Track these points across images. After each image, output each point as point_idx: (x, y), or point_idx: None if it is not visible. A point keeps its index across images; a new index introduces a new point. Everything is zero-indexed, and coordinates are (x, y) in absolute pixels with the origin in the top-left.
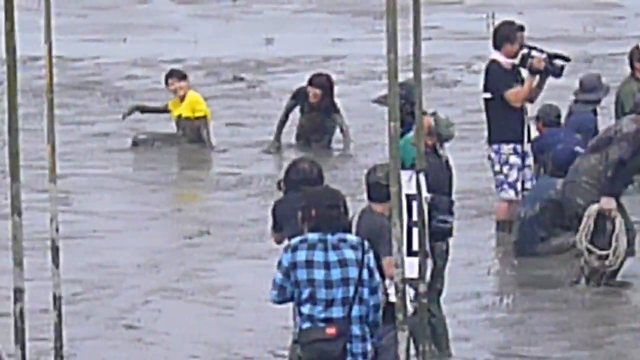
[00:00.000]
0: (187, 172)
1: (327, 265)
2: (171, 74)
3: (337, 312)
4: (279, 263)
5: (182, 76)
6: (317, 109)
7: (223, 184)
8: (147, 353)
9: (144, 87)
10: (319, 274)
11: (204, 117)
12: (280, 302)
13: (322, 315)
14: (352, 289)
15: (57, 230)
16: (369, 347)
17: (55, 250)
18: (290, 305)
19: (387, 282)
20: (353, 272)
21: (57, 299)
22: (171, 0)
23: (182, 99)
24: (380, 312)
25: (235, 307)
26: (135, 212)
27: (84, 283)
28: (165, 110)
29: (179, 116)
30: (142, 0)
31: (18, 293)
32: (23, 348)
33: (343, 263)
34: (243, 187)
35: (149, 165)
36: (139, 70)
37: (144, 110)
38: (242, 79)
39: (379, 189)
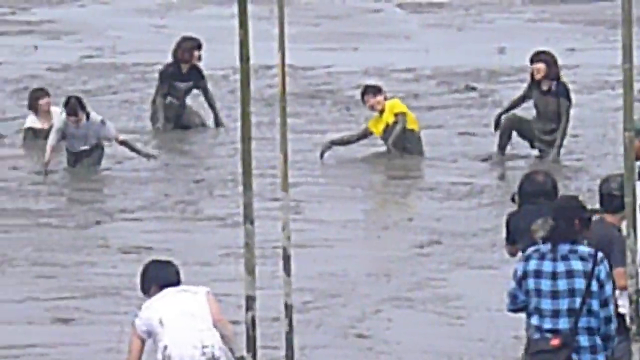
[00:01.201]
0: (417, 181)
1: (554, 276)
2: (366, 91)
3: (563, 323)
4: (514, 271)
5: (377, 90)
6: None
7: (455, 193)
8: None
9: None
10: (545, 285)
11: (403, 113)
12: (513, 311)
13: (549, 326)
14: (578, 300)
15: (288, 238)
16: (600, 358)
17: (286, 258)
18: (522, 315)
19: (617, 292)
20: (580, 284)
21: (288, 308)
22: (403, 9)
23: (381, 113)
24: (614, 325)
25: (467, 317)
26: (366, 221)
27: (315, 292)
28: (365, 135)
29: (386, 127)
30: (374, 9)
31: (250, 301)
32: (254, 356)
33: (570, 274)
34: (474, 197)
35: (378, 175)
36: (370, 79)
37: (342, 143)
38: (474, 89)
39: (612, 199)
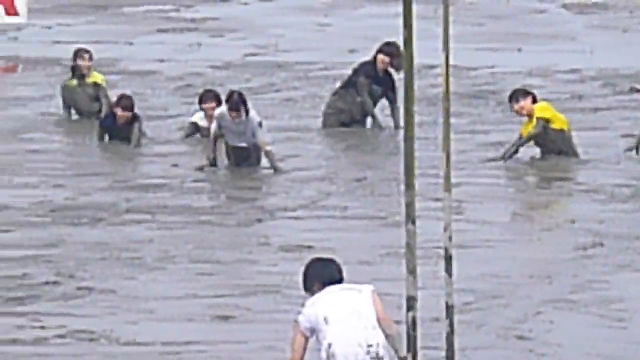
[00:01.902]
0: (578, 183)
1: None
2: (510, 98)
3: None
4: None
5: (522, 95)
6: None
7: (618, 195)
8: None
9: (538, 97)
10: None
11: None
12: None
13: None
14: None
15: (450, 239)
16: None
17: (448, 259)
18: None
19: None
20: None
21: (449, 308)
22: (568, 10)
23: (530, 117)
24: None
25: (628, 319)
26: (527, 222)
27: (476, 292)
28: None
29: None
30: (538, 10)
31: (411, 301)
32: (415, 356)
33: None
34: (638, 199)
35: (538, 177)
36: (534, 80)
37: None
38: (638, 90)
39: None
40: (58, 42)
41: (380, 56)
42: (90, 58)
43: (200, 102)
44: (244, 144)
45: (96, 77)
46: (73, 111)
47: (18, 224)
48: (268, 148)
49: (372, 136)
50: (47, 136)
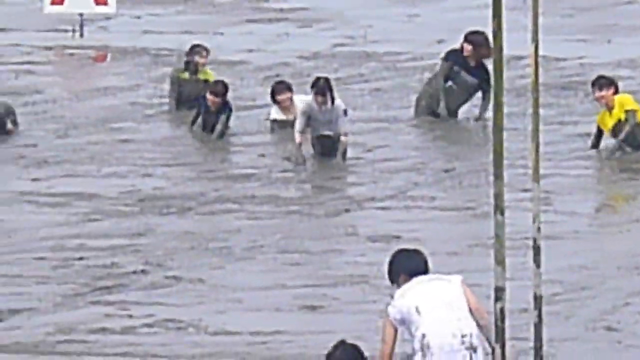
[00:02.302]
0: None
1: None
2: (594, 83)
3: None
4: None
5: (605, 84)
6: None
7: None
8: (626, 355)
9: (627, 88)
10: None
11: (633, 110)
12: None
13: None
14: None
15: (539, 230)
16: None
17: (536, 250)
18: None
19: None
20: None
21: (537, 299)
22: None
23: (610, 109)
24: None
25: None
26: (616, 213)
27: (564, 283)
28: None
29: (617, 124)
30: (627, 1)
31: (499, 292)
32: (503, 347)
33: None
34: None
35: (623, 169)
36: (623, 71)
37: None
38: None
39: None
40: (147, 32)
41: (465, 44)
42: (207, 55)
43: (273, 95)
44: (329, 133)
45: (208, 74)
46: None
47: (107, 214)
48: (344, 138)
49: (460, 127)
50: (136, 126)
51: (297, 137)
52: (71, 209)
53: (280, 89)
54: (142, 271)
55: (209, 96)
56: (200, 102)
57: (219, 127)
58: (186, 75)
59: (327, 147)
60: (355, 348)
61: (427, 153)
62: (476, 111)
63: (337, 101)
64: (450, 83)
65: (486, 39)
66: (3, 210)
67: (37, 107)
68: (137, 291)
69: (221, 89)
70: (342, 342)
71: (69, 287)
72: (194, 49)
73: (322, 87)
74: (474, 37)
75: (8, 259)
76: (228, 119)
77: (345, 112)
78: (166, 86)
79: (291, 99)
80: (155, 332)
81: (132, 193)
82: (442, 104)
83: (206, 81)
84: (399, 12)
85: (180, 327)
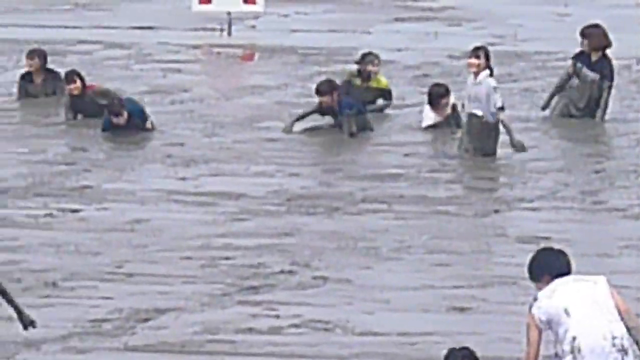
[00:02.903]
0: None
1: None
2: None
3: None
4: None
5: None
6: None
7: None
8: None
9: None
10: None
11: None
12: None
13: None
14: None
15: None
16: None
17: None
18: None
19: None
20: None
21: None
22: None
23: None
24: None
25: None
26: None
27: None
28: None
29: None
30: None
31: None
32: None
33: None
34: None
35: None
36: None
37: None
38: None
39: None
40: (295, 30)
41: (581, 39)
42: (379, 63)
43: (431, 99)
44: (479, 112)
45: (381, 82)
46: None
47: (254, 213)
48: (502, 116)
49: (610, 127)
50: (284, 125)
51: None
52: (218, 208)
53: (440, 91)
54: (289, 271)
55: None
56: (343, 87)
57: (345, 126)
58: (358, 81)
59: (477, 129)
60: (467, 349)
61: (577, 153)
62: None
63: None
64: (574, 80)
65: (600, 29)
66: (150, 209)
67: (184, 106)
68: (284, 291)
69: (326, 88)
70: (452, 350)
71: (216, 287)
72: (366, 57)
73: (475, 49)
74: (587, 30)
75: (155, 258)
76: (352, 117)
77: (495, 88)
78: (312, 85)
79: (448, 104)
80: (302, 333)
81: (279, 192)
82: (568, 103)
83: (379, 89)
84: (550, 11)
85: (327, 328)
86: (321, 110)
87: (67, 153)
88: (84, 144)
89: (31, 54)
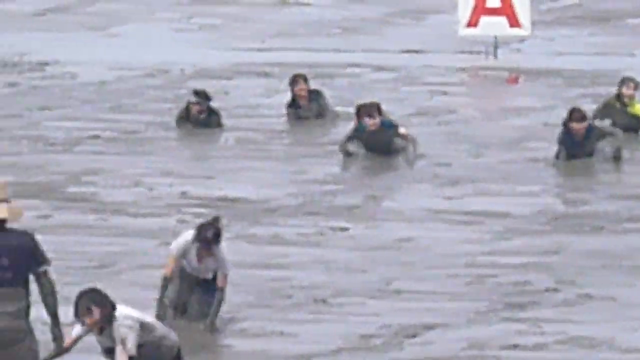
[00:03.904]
0: None
1: None
2: None
3: None
4: None
5: None
6: None
7: None
8: None
9: None
10: None
11: None
12: None
13: None
14: None
15: None
16: None
17: None
18: None
19: None
20: None
21: None
22: None
23: None
24: None
25: None
26: None
27: None
28: None
29: None
30: None
31: None
32: None
33: None
34: None
35: None
36: None
37: None
38: None
39: None
40: (560, 53)
41: None
42: (635, 87)
43: None
44: None
45: (635, 107)
46: None
47: (519, 232)
48: None
49: None
50: (549, 145)
51: None
52: (483, 227)
53: None
54: (554, 289)
55: (574, 125)
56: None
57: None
58: (617, 105)
59: None
60: None
61: None
62: None
63: None
64: None
65: None
66: (417, 227)
67: (450, 127)
68: (549, 308)
69: (580, 115)
70: None
71: (482, 304)
72: (624, 81)
73: None
74: None
75: (422, 275)
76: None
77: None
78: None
79: None
80: (567, 349)
81: (544, 212)
82: None
83: (634, 116)
84: None
85: (593, 345)
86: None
87: (337, 173)
88: (349, 165)
89: (296, 79)
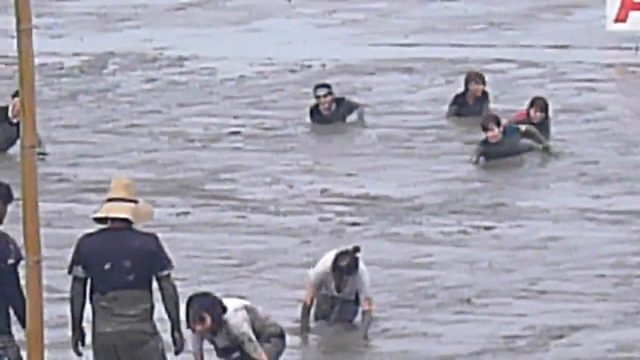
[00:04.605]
0: None
1: None
2: None
3: None
4: None
5: None
6: None
7: None
8: None
9: None
10: None
11: None
12: None
13: None
14: None
15: None
16: None
17: None
18: None
19: None
20: None
21: None
22: None
23: None
24: None
25: None
26: None
27: None
28: None
29: None
30: None
31: None
32: None
33: None
34: None
35: None
36: None
37: None
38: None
39: None
40: None
41: None
42: None
43: None
44: None
45: None
46: None
47: None
48: None
49: None
50: None
51: None
52: (632, 227)
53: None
54: None
55: None
56: None
57: None
58: None
59: None
60: None
61: None
62: None
63: None
64: None
65: None
66: (564, 227)
67: (598, 124)
68: None
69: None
70: None
71: (630, 305)
72: None
73: None
74: None
75: (569, 276)
76: None
77: None
78: None
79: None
80: None
81: None
82: None
83: None
84: None
85: None
86: None
87: (481, 170)
88: (493, 162)
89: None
